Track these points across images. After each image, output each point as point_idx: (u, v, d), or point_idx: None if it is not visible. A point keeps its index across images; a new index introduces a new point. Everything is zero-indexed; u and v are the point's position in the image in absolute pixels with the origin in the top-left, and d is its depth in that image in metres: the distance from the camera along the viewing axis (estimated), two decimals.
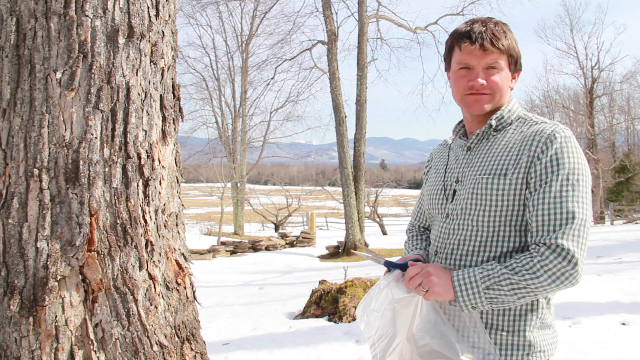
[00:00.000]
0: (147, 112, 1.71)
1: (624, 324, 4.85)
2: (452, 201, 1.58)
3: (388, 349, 1.57)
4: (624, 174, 32.78)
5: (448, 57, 1.60)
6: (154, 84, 1.74)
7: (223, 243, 15.87)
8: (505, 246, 1.49)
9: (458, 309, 1.47)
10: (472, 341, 1.50)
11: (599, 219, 28.71)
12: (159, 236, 1.73)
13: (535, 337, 1.48)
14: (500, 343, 1.48)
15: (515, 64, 1.55)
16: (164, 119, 1.78)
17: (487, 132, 1.56)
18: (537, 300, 1.47)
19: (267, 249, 15.74)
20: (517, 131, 1.52)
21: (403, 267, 1.60)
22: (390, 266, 1.63)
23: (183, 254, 1.84)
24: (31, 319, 1.52)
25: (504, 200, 1.45)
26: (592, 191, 30.32)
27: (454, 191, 1.59)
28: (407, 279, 1.49)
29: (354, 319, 5.36)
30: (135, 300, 1.62)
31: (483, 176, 1.49)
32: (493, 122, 1.54)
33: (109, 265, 1.60)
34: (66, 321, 1.54)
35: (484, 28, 1.50)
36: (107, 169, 1.61)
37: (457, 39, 1.53)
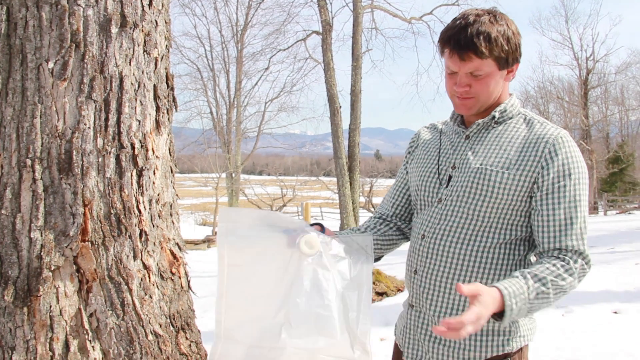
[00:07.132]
0: (140, 102, 1.70)
1: (616, 312, 4.90)
2: (446, 186, 1.57)
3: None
4: (618, 164, 32.94)
5: (440, 53, 1.56)
6: (147, 73, 1.73)
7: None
8: (497, 239, 1.51)
9: None
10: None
11: (593, 209, 28.85)
12: (153, 226, 1.73)
13: (515, 323, 1.51)
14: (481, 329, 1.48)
15: (506, 62, 1.49)
16: (158, 109, 1.77)
17: (488, 124, 1.57)
18: None
19: None
20: (519, 127, 1.54)
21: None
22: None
23: (177, 244, 1.84)
24: (25, 309, 1.53)
25: (504, 193, 1.47)
26: None
27: (450, 177, 1.58)
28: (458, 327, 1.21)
29: None
30: (130, 290, 1.63)
31: (487, 167, 1.50)
32: (496, 115, 1.55)
33: (103, 255, 1.60)
34: (61, 311, 1.55)
35: (464, 34, 1.43)
36: (100, 159, 1.60)
37: (441, 42, 1.51)
